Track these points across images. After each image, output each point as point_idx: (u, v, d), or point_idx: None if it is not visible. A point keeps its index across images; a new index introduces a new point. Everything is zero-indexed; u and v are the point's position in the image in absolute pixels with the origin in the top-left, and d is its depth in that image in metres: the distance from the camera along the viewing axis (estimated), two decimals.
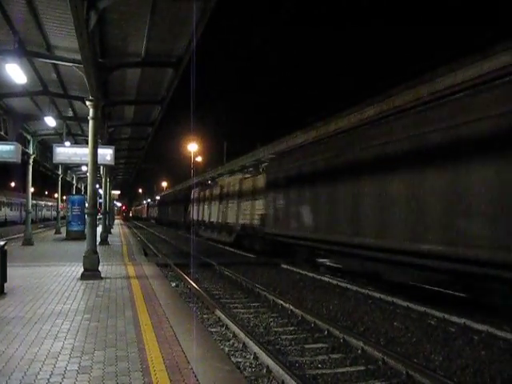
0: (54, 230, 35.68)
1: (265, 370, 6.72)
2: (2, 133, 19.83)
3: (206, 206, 38.31)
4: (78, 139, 26.32)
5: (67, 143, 21.59)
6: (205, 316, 10.20)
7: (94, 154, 13.19)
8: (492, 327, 8.75)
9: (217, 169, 46.78)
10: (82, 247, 14.95)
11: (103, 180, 28.69)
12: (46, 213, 77.67)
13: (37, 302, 9.09)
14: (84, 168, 30.71)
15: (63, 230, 31.40)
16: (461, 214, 9.96)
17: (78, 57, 11.40)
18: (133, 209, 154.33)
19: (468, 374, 6.77)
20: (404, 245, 11.46)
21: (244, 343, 7.97)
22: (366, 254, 13.00)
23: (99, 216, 31.63)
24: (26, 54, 12.75)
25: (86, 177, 17.77)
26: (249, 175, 29.51)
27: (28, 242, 23.44)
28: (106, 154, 18.97)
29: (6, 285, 10.03)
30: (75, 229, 27.86)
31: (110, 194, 33.70)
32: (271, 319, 10.10)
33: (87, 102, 13.09)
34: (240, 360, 7.23)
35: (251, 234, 24.80)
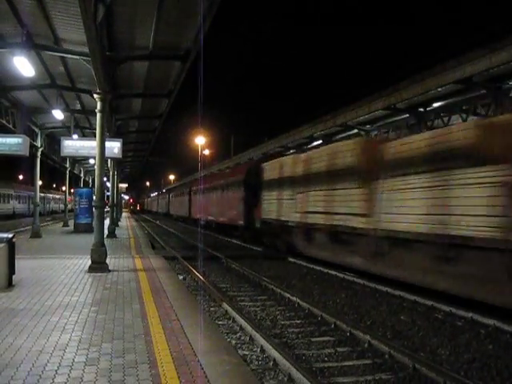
0: (61, 223, 35.85)
1: (272, 363, 6.73)
2: (10, 126, 19.90)
3: None
4: (86, 132, 26.37)
5: (75, 136, 21.63)
6: (212, 309, 10.22)
7: (102, 147, 13.22)
8: (499, 321, 8.72)
9: None
10: (89, 240, 15.01)
11: (111, 173, 28.74)
12: (53, 206, 78.08)
13: (45, 294, 9.14)
14: (92, 161, 30.73)
15: (71, 222, 31.54)
16: None
17: (86, 50, 11.40)
18: (146, 200, 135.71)
19: (475, 367, 6.75)
20: None
21: (251, 336, 7.98)
22: None
23: (107, 209, 31.74)
24: (34, 46, 12.76)
25: (94, 170, 17.80)
26: None
27: (36, 234, 23.54)
28: (114, 146, 19.02)
29: (14, 277, 10.08)
30: (83, 221, 27.96)
31: (117, 186, 33.81)
32: (278, 312, 10.11)
33: (95, 95, 13.09)
34: (247, 353, 7.25)
35: None
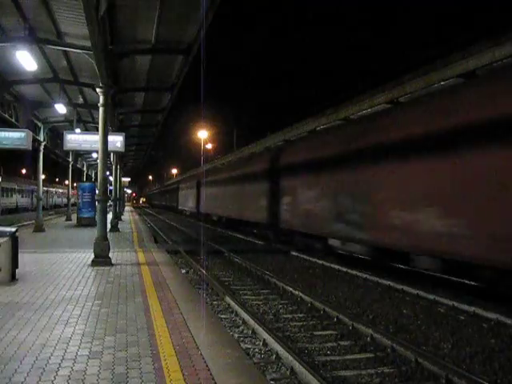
0: (64, 217, 35.89)
1: (274, 357, 6.75)
2: (13, 120, 19.91)
3: None
4: (89, 126, 26.37)
5: (78, 130, 21.68)
6: (214, 302, 10.26)
7: (105, 141, 13.21)
8: (502, 315, 8.72)
9: None
10: (92, 234, 15.04)
11: (113, 167, 28.79)
12: (56, 200, 78.18)
13: (48, 288, 9.16)
14: (94, 155, 30.84)
15: (74, 216, 31.58)
16: None
17: (88, 44, 11.40)
18: (155, 192, 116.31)
19: (477, 361, 6.76)
20: None
21: (253, 330, 8.01)
22: None
23: (109, 203, 31.78)
24: (37, 40, 12.76)
25: (97, 164, 17.83)
26: None
27: (39, 228, 23.58)
28: (117, 140, 19.03)
29: (17, 271, 10.10)
30: (86, 215, 28.01)
31: (120, 180, 33.83)
32: (280, 306, 10.13)
33: (97, 89, 13.09)
34: (249, 346, 7.27)
35: None
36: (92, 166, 45.94)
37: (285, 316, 9.31)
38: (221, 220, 32.61)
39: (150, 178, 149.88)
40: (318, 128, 23.27)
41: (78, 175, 43.27)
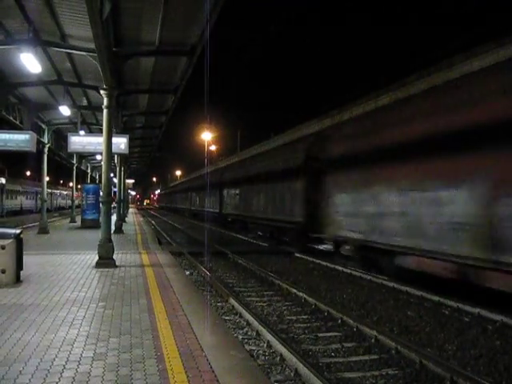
0: (68, 219, 35.94)
1: (278, 359, 6.75)
2: (18, 122, 19.98)
3: None
4: (93, 128, 26.45)
5: (82, 132, 21.68)
6: (219, 304, 10.25)
7: (109, 143, 13.23)
8: (507, 317, 8.69)
9: None
10: (96, 235, 15.05)
11: (117, 169, 28.80)
12: (60, 201, 78.29)
13: (52, 290, 9.18)
14: (98, 157, 30.84)
15: (78, 218, 31.64)
16: None
17: (92, 46, 11.40)
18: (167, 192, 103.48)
19: (482, 363, 6.74)
20: None
21: (257, 331, 8.00)
22: None
23: (114, 205, 31.80)
24: (41, 43, 12.78)
25: (101, 166, 17.83)
26: None
27: (43, 230, 23.62)
28: (121, 142, 19.05)
29: (22, 272, 10.13)
30: (90, 217, 28.06)
31: (124, 182, 33.84)
32: (285, 308, 10.13)
33: (101, 91, 13.11)
34: (253, 348, 7.27)
35: None
36: (96, 167, 46.03)
37: (289, 317, 9.30)
38: None
39: (154, 179, 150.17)
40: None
41: (82, 177, 43.39)
